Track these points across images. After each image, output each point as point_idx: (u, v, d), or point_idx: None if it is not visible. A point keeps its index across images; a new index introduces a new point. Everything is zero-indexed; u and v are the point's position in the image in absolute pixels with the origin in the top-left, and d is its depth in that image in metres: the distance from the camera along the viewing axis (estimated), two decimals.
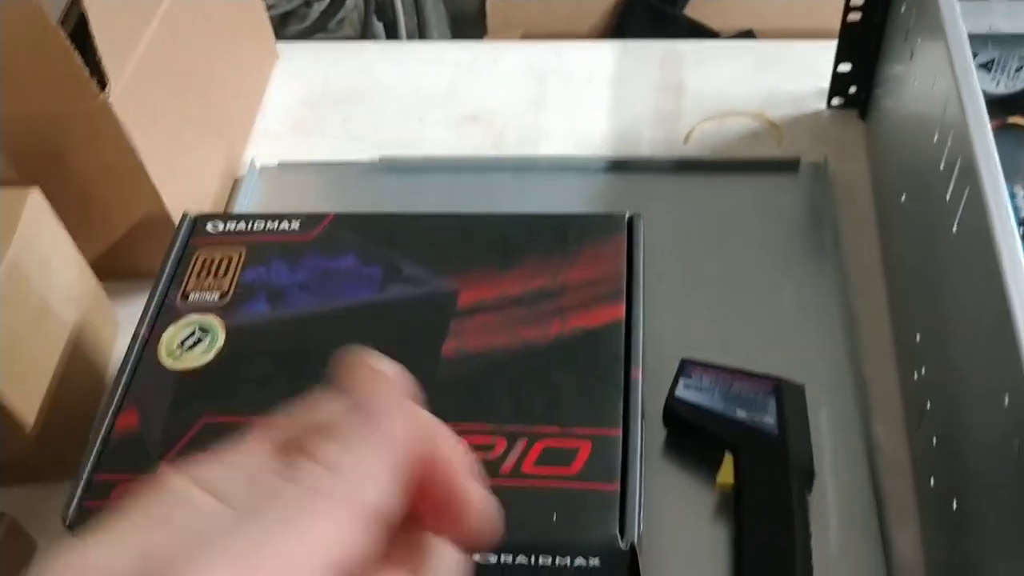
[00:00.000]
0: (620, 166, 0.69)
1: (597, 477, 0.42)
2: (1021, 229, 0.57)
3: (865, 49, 0.66)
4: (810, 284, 0.61)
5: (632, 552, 0.40)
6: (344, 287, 0.50)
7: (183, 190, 0.63)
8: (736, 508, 0.49)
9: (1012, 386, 0.37)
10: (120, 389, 0.47)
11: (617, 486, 0.42)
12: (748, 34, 1.55)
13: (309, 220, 0.54)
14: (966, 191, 0.44)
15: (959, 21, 0.49)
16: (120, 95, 0.54)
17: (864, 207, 0.65)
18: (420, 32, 1.59)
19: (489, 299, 0.49)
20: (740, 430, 0.50)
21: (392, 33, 1.54)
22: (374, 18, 1.50)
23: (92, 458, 0.44)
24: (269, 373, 0.47)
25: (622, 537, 0.40)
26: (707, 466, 0.52)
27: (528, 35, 1.64)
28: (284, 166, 0.72)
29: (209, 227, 0.54)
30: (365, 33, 1.52)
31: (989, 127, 0.45)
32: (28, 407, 0.52)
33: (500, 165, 0.70)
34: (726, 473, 0.50)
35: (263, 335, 0.49)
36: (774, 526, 0.47)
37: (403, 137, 0.74)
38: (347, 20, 1.50)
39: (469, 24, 1.73)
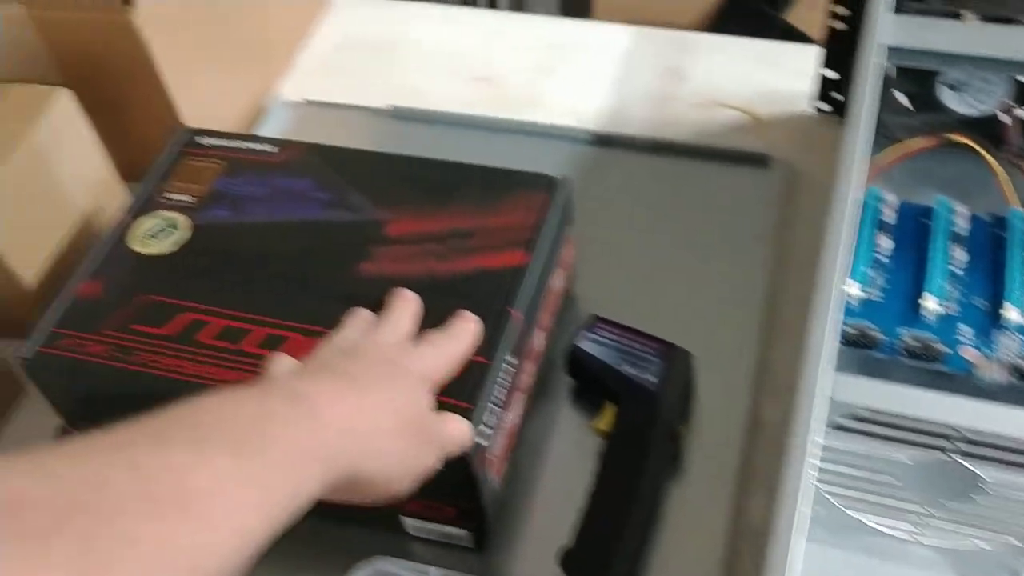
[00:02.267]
0: (605, 140, 0.74)
1: (455, 395, 0.47)
2: (954, 244, 0.59)
3: (848, 57, 0.68)
4: (748, 269, 0.64)
5: (465, 459, 0.46)
6: (295, 205, 0.57)
7: (205, 111, 0.71)
8: (604, 452, 0.54)
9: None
10: (91, 262, 0.55)
11: (470, 405, 0.47)
12: None
13: (285, 145, 0.61)
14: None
15: (875, 35, 0.52)
16: (145, 13, 0.63)
17: (823, 207, 0.68)
18: (520, 5, 1.65)
19: (412, 233, 0.55)
20: (623, 383, 0.55)
21: (492, 2, 1.60)
22: None
23: (53, 314, 0.53)
24: (213, 268, 0.55)
25: None
26: (598, 413, 0.56)
27: (632, 21, 1.68)
28: (309, 103, 0.79)
29: (201, 140, 0.61)
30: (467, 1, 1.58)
31: (859, 135, 0.48)
32: (29, 271, 0.61)
33: (496, 125, 0.76)
34: (604, 420, 0.55)
35: (219, 237, 0.56)
36: (628, 471, 0.52)
37: (421, 90, 0.80)
38: None
39: (577, 4, 1.77)
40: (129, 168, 0.70)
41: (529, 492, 0.55)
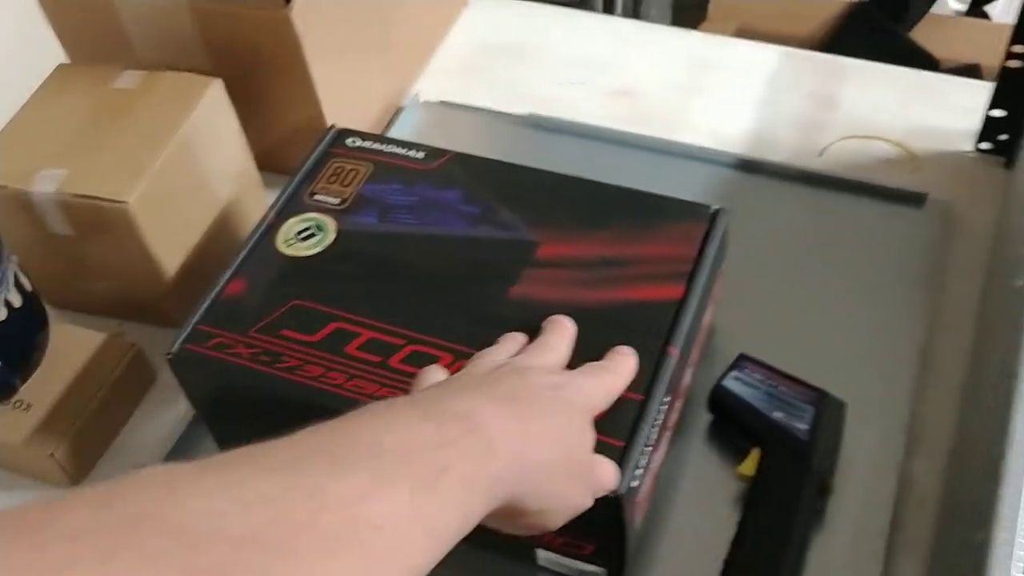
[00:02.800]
0: (750, 166, 0.71)
1: (609, 432, 0.45)
2: None
3: (1022, 97, 0.65)
4: (900, 315, 0.61)
5: (618, 501, 0.44)
6: (444, 217, 0.56)
7: (345, 107, 0.70)
8: (748, 498, 0.52)
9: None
10: (237, 261, 0.54)
11: (623, 443, 0.45)
12: (972, 69, 1.48)
13: (432, 152, 0.59)
14: None
15: None
16: (301, 10, 0.62)
17: (982, 253, 0.65)
18: (636, 9, 1.62)
19: (565, 256, 0.53)
20: (772, 429, 0.53)
21: (609, 7, 1.57)
22: None
23: (200, 311, 0.52)
24: (359, 275, 0.54)
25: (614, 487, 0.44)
26: (738, 455, 0.54)
27: (743, 30, 1.64)
28: (445, 104, 0.78)
29: (348, 141, 0.60)
30: (584, 2, 1.56)
31: None
32: (171, 260, 0.61)
33: (637, 142, 0.74)
34: (749, 465, 0.53)
35: (365, 243, 0.55)
36: (775, 523, 0.50)
37: (559, 98, 0.78)
38: None
39: (691, 10, 1.74)
40: (265, 158, 0.70)
41: (663, 529, 0.54)
